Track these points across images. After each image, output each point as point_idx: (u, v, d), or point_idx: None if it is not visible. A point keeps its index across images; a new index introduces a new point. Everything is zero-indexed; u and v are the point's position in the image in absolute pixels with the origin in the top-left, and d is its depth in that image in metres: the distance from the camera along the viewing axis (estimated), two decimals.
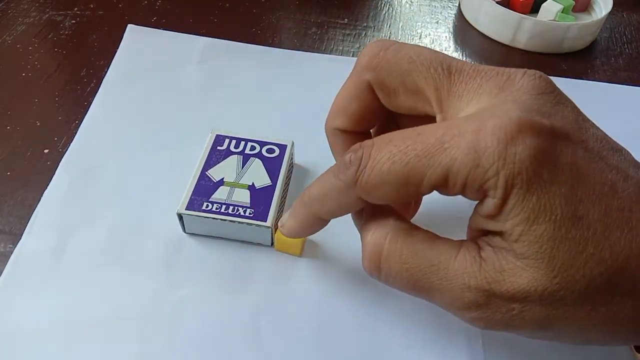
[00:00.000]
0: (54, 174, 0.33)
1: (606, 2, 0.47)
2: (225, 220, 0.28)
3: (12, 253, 0.29)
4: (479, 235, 0.20)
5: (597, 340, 0.20)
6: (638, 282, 0.18)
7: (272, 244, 0.30)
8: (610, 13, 0.46)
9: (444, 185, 0.19)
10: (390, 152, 0.19)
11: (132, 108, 0.37)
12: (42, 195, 0.32)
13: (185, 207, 0.29)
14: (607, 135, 0.20)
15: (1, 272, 0.28)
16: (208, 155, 0.31)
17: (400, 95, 0.23)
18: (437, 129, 0.19)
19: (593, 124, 0.20)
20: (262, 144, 0.32)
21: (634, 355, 0.25)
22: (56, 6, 0.47)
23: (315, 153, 0.34)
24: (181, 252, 0.29)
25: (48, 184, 0.32)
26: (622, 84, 0.43)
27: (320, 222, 0.25)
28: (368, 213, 0.23)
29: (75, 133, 0.35)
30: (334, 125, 0.25)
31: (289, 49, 0.44)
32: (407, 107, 0.23)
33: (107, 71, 0.40)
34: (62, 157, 0.34)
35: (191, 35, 0.44)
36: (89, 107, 0.37)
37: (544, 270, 0.18)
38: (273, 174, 0.31)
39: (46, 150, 0.35)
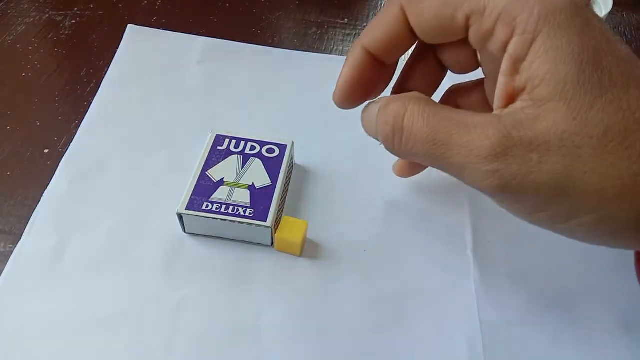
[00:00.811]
0: (54, 174, 0.33)
1: (606, 2, 0.47)
2: (225, 220, 0.28)
3: (12, 253, 0.29)
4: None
5: (610, 228, 0.19)
6: None
7: (272, 244, 0.30)
8: (610, 13, 0.46)
9: (479, 14, 0.20)
10: None
11: (132, 108, 0.37)
12: (42, 195, 0.32)
13: (185, 207, 0.29)
14: None
15: (1, 272, 0.28)
16: (208, 155, 0.31)
17: None
18: None
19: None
20: (262, 144, 0.32)
21: None
22: (56, 6, 0.47)
23: (315, 153, 0.34)
24: (181, 252, 0.29)
25: (48, 184, 0.32)
26: None
27: (370, 61, 0.24)
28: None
29: (76, 133, 0.35)
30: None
31: (289, 49, 0.44)
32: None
33: (107, 71, 0.40)
34: (62, 157, 0.34)
35: (191, 35, 0.44)
36: (89, 107, 0.37)
37: (564, 111, 0.18)
38: (273, 174, 0.31)
39: (46, 150, 0.35)
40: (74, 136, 0.35)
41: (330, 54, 0.44)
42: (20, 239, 0.29)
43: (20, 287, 0.27)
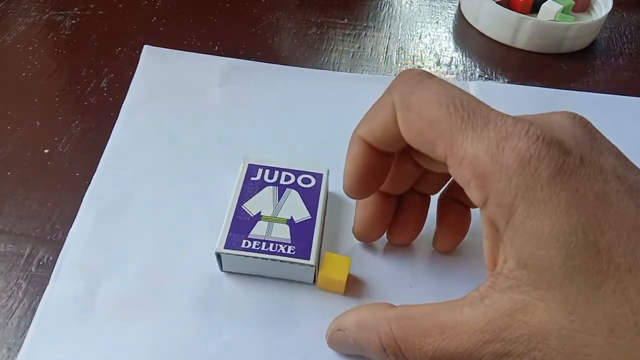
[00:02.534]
0: (54, 175, 0.33)
1: (606, 2, 0.47)
2: (266, 259, 0.27)
3: (38, 303, 0.27)
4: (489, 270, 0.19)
5: None
6: None
7: (314, 281, 0.28)
8: (610, 13, 0.46)
9: (458, 159, 0.18)
10: (434, 95, 0.20)
11: (154, 136, 0.35)
12: (44, 198, 0.31)
13: (223, 245, 0.27)
14: None
15: (3, 272, 0.28)
16: (242, 186, 0.30)
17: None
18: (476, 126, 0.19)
19: (638, 171, 0.19)
20: (296, 173, 0.30)
21: None
22: (56, 6, 0.47)
23: None
24: (219, 294, 0.28)
25: (48, 185, 0.32)
26: (623, 95, 0.43)
27: (369, 152, 0.23)
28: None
29: (75, 133, 0.35)
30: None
31: (288, 49, 0.44)
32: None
33: (125, 96, 0.38)
34: (86, 190, 0.32)
35: (209, 55, 0.42)
36: (109, 135, 0.35)
37: (556, 304, 0.16)
38: (311, 206, 0.29)
39: (46, 150, 0.35)
40: (74, 137, 0.35)
41: (330, 53, 0.44)
42: (21, 240, 0.29)
43: (51, 338, 0.26)
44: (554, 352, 0.16)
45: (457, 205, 0.27)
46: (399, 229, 0.29)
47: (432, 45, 0.46)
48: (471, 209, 0.28)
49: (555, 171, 0.17)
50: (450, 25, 0.49)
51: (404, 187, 0.27)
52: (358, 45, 0.45)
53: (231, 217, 0.28)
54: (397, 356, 0.20)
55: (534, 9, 0.47)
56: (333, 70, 0.42)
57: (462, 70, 0.44)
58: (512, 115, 0.19)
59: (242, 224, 0.28)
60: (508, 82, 0.42)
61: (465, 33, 0.48)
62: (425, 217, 0.28)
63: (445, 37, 0.47)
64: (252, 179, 0.30)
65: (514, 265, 0.17)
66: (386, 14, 0.49)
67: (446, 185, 0.27)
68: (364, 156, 0.24)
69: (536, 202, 0.16)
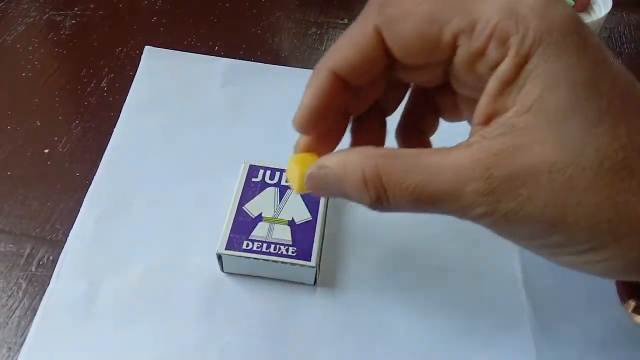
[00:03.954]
0: (54, 175, 0.33)
1: (606, 2, 0.47)
2: (268, 260, 0.27)
3: (39, 304, 0.27)
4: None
5: (608, 260, 0.18)
6: None
7: (315, 282, 0.28)
8: (610, 13, 0.46)
9: (469, 32, 0.18)
10: None
11: (156, 137, 0.35)
12: (46, 199, 0.31)
13: (225, 247, 0.27)
14: None
15: (3, 272, 0.28)
16: (243, 188, 0.30)
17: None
18: None
19: None
20: None
21: (633, 319, 0.24)
22: (56, 6, 0.47)
23: None
24: (221, 295, 0.28)
25: (48, 185, 0.32)
26: None
27: (336, 86, 0.22)
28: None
29: (75, 133, 0.35)
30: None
31: (289, 49, 0.44)
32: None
33: (127, 96, 0.38)
34: (86, 190, 0.32)
35: (211, 57, 0.42)
36: (110, 135, 0.35)
37: (552, 141, 0.17)
38: (312, 207, 0.29)
39: (46, 150, 0.35)
40: (75, 137, 0.35)
41: None
42: (22, 241, 0.29)
43: (52, 340, 0.26)
44: (542, 189, 0.17)
45: (417, 134, 0.27)
46: None
47: None
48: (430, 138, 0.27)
49: (567, 16, 0.17)
50: None
51: (364, 106, 0.25)
52: None
53: (232, 219, 0.28)
54: (377, 190, 0.20)
55: None
56: None
57: None
58: None
59: (243, 225, 0.28)
60: None
61: None
62: (385, 140, 0.26)
63: None
64: (254, 180, 0.30)
65: (514, 113, 0.18)
66: None
67: (402, 116, 0.26)
68: (329, 90, 0.22)
69: (552, 44, 0.17)
